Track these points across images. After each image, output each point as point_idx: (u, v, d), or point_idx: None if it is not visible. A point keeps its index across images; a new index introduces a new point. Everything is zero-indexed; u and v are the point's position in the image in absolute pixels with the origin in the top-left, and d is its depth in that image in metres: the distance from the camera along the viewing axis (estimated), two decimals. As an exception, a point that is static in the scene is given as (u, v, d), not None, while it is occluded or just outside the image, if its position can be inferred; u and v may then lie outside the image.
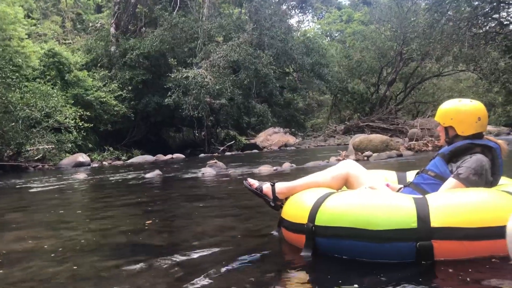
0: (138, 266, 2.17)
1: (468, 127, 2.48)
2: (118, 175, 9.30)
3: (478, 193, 2.19)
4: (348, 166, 2.75)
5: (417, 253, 2.00)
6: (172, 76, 18.26)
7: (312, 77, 25.04)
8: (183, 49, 21.48)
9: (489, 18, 15.39)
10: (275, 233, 2.75)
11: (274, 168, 7.88)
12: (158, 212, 4.10)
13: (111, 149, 17.83)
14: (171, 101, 18.02)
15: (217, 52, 19.10)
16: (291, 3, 55.85)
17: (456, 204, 2.09)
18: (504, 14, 16.02)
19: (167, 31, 20.07)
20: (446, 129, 2.59)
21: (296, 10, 58.23)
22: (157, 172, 8.23)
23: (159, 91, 19.80)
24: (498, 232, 1.88)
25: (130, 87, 19.25)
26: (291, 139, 27.60)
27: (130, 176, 8.58)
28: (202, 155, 17.80)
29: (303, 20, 59.93)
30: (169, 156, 16.51)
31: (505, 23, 15.54)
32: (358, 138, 10.09)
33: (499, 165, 2.46)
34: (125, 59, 19.90)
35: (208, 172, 7.84)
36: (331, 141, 25.21)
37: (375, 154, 8.92)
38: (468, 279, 1.78)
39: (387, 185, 2.71)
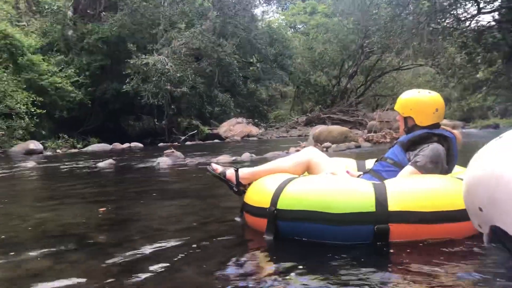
0: (75, 262, 2.02)
1: (426, 117, 2.57)
2: (70, 163, 8.93)
3: (433, 180, 2.31)
4: (310, 153, 2.82)
5: (375, 236, 2.08)
6: (131, 62, 17.72)
7: (275, 68, 25.00)
8: (144, 35, 20.90)
9: (447, 14, 15.75)
10: (237, 219, 2.75)
11: (233, 158, 7.75)
12: (106, 202, 3.90)
13: (66, 136, 17.18)
14: (129, 88, 17.55)
15: (179, 39, 18.70)
16: (256, -8, 55.36)
17: (413, 190, 2.19)
18: (461, 10, 16.44)
19: (127, 16, 19.47)
20: (405, 119, 2.67)
21: (260, 0, 57.97)
22: (110, 161, 7.89)
23: (118, 77, 19.19)
24: (451, 216, 2.07)
25: (87, 73, 18.61)
26: (254, 130, 27.46)
27: (82, 165, 8.24)
28: (161, 144, 17.43)
29: (268, 10, 59.78)
30: (126, 145, 16.10)
31: (462, 19, 15.95)
32: (318, 129, 10.11)
33: (454, 154, 2.57)
34: (83, 44, 19.19)
35: (163, 161, 7.56)
36: (293, 132, 25.30)
37: (334, 145, 8.95)
38: (421, 260, 1.88)
39: (347, 172, 2.76)
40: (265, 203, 2.30)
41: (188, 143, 18.74)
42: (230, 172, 2.75)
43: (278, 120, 31.86)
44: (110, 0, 22.41)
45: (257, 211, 2.39)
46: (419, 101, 2.60)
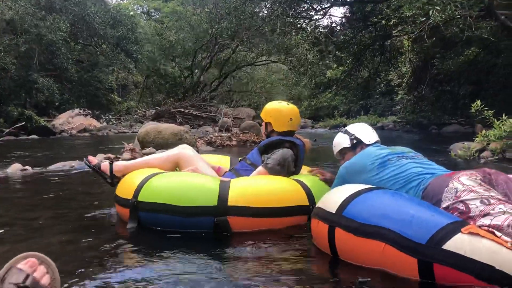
0: None
1: (282, 125, 3.09)
2: None
3: (270, 180, 2.74)
4: (181, 150, 3.05)
5: (215, 226, 2.44)
6: None
7: (118, 53, 21.89)
8: None
9: (302, 4, 14.63)
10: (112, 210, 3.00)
11: (-9, 172, 4.93)
12: None
13: None
14: None
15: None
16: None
17: (251, 188, 2.58)
18: (315, 5, 15.56)
19: None
20: (266, 124, 3.16)
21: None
22: None
23: None
24: (279, 211, 2.52)
25: None
26: (96, 123, 24.12)
27: None
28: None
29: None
30: None
31: (316, 10, 15.03)
32: (145, 128, 7.72)
33: (301, 159, 3.08)
34: None
35: None
36: (138, 126, 22.54)
37: (159, 152, 6.70)
38: (257, 246, 2.22)
39: (219, 168, 3.23)
40: (130, 194, 2.56)
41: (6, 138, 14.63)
42: (104, 165, 2.91)
43: (130, 112, 28.58)
44: None
45: (123, 202, 2.64)
46: (278, 110, 3.11)
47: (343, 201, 2.00)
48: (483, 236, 1.54)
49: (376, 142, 2.67)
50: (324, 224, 2.04)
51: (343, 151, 2.75)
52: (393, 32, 14.69)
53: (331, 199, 2.11)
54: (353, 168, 2.42)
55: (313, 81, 19.53)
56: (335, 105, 38.86)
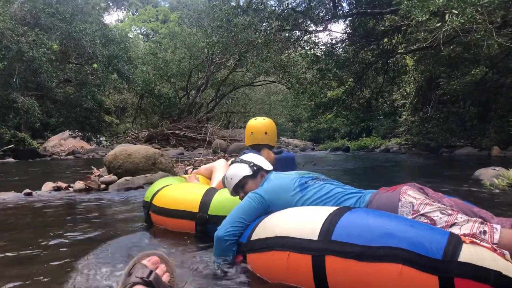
0: None
1: (247, 140, 3.39)
2: None
3: (185, 186, 3.21)
4: (215, 163, 3.76)
5: (146, 217, 3.13)
6: None
7: (109, 72, 20.90)
8: None
9: (299, 21, 13.63)
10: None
11: None
12: None
13: None
14: None
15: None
16: (104, -6, 50.42)
17: (169, 192, 3.05)
18: (314, 19, 14.59)
19: None
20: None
21: (109, 2, 52.87)
22: None
23: None
24: (168, 213, 2.92)
25: None
26: (87, 145, 23.16)
27: None
28: None
29: (123, 18, 54.75)
30: None
31: (313, 32, 14.01)
32: (114, 151, 6.60)
33: None
34: None
35: None
36: (129, 149, 21.37)
37: (121, 180, 5.50)
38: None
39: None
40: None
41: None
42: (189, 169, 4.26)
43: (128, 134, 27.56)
44: None
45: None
46: (246, 127, 3.40)
47: (323, 225, 1.77)
48: (479, 245, 1.49)
49: (272, 170, 2.63)
50: (302, 254, 1.77)
51: (244, 180, 2.56)
52: (399, 47, 13.69)
53: (299, 226, 1.85)
54: (274, 189, 2.31)
55: (313, 101, 18.48)
56: (335, 127, 37.79)
